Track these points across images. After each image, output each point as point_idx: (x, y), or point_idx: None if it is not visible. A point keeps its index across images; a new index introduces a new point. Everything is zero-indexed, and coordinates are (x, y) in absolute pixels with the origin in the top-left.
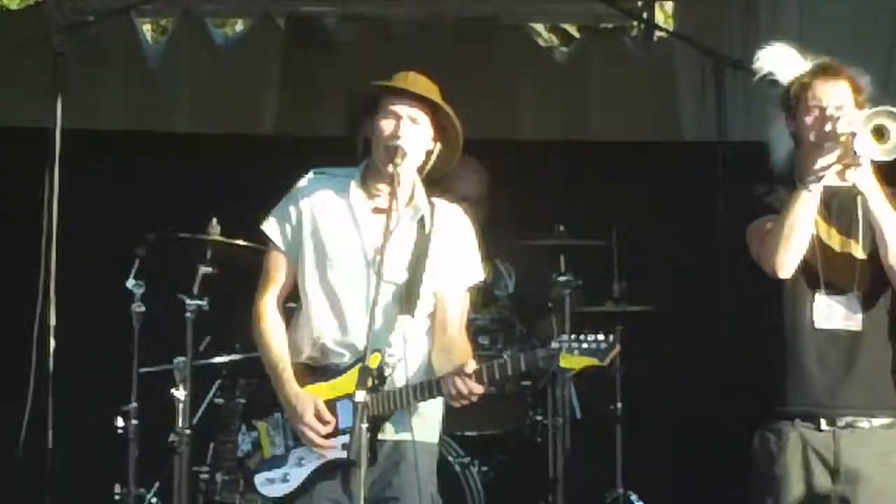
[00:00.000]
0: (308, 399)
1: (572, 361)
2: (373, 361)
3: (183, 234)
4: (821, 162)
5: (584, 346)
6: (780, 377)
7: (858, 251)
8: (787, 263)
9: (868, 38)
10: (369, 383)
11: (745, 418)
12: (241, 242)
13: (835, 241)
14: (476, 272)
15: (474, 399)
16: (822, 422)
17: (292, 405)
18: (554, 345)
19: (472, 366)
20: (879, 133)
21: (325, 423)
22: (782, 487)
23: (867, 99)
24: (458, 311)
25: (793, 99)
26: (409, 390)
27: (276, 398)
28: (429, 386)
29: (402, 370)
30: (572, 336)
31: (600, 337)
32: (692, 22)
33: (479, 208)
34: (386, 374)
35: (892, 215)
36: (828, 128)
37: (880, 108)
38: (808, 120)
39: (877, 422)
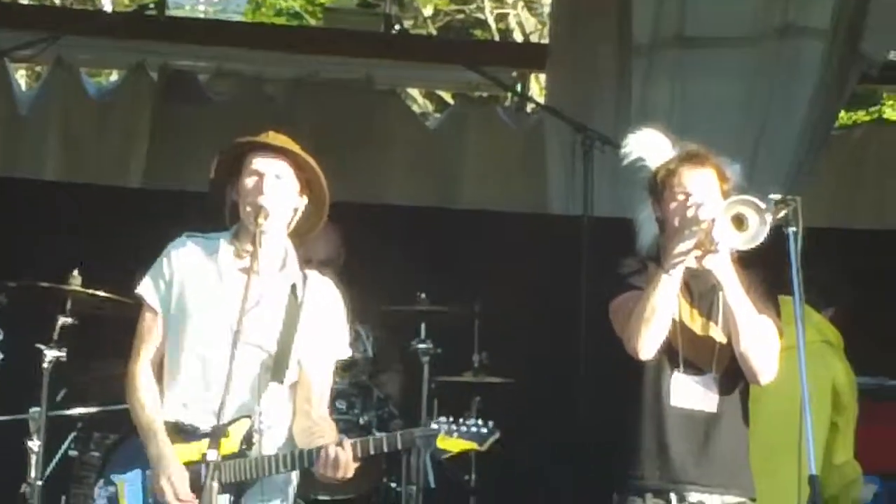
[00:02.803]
0: (176, 464)
1: (450, 444)
2: (242, 426)
3: (43, 283)
4: (680, 247)
5: (464, 429)
6: (635, 451)
7: (718, 334)
8: (647, 346)
9: (737, 123)
10: (236, 446)
11: (599, 495)
12: (101, 294)
13: (696, 322)
14: (344, 348)
15: (346, 475)
16: (673, 498)
17: (163, 462)
18: (433, 426)
19: (348, 440)
20: (739, 221)
21: (184, 493)
22: None
23: (733, 188)
24: (324, 387)
25: (659, 185)
26: (279, 458)
27: (136, 455)
28: (300, 455)
29: (271, 438)
30: (450, 418)
31: (479, 422)
32: (565, 95)
33: (335, 273)
34: (254, 440)
35: (744, 305)
36: (689, 213)
37: (741, 196)
38: (673, 206)
39: (727, 500)
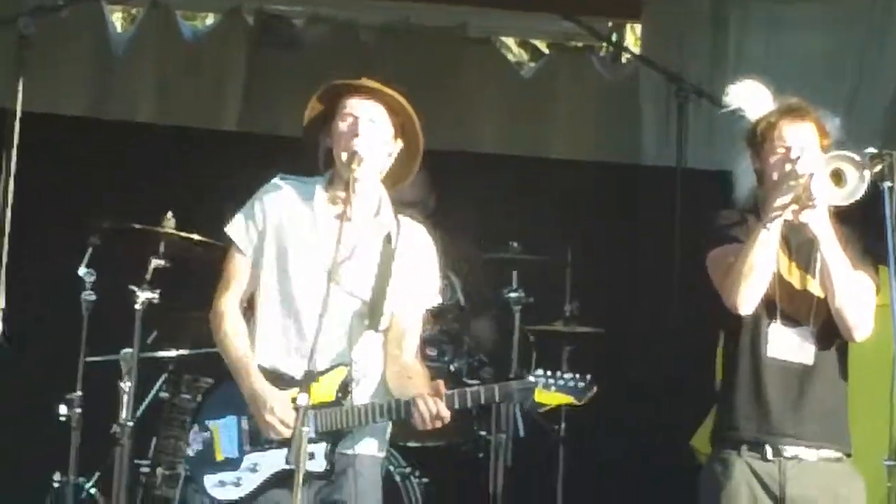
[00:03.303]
0: (277, 394)
1: (548, 397)
2: (338, 374)
3: (137, 225)
4: (778, 201)
5: (562, 382)
6: (731, 403)
7: (816, 288)
8: (747, 301)
9: (832, 76)
10: (332, 394)
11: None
12: (195, 237)
13: (794, 276)
14: (435, 296)
15: (439, 424)
16: (769, 451)
17: (260, 397)
18: (531, 379)
19: (444, 388)
20: (837, 177)
21: (288, 425)
22: None
23: (833, 143)
24: (415, 333)
25: (759, 137)
26: (375, 408)
27: (230, 401)
28: (397, 406)
29: (365, 386)
30: (548, 372)
31: (577, 375)
32: (660, 47)
33: (422, 216)
34: (350, 389)
35: (840, 260)
36: (787, 167)
37: (840, 152)
38: (773, 159)
39: (823, 454)
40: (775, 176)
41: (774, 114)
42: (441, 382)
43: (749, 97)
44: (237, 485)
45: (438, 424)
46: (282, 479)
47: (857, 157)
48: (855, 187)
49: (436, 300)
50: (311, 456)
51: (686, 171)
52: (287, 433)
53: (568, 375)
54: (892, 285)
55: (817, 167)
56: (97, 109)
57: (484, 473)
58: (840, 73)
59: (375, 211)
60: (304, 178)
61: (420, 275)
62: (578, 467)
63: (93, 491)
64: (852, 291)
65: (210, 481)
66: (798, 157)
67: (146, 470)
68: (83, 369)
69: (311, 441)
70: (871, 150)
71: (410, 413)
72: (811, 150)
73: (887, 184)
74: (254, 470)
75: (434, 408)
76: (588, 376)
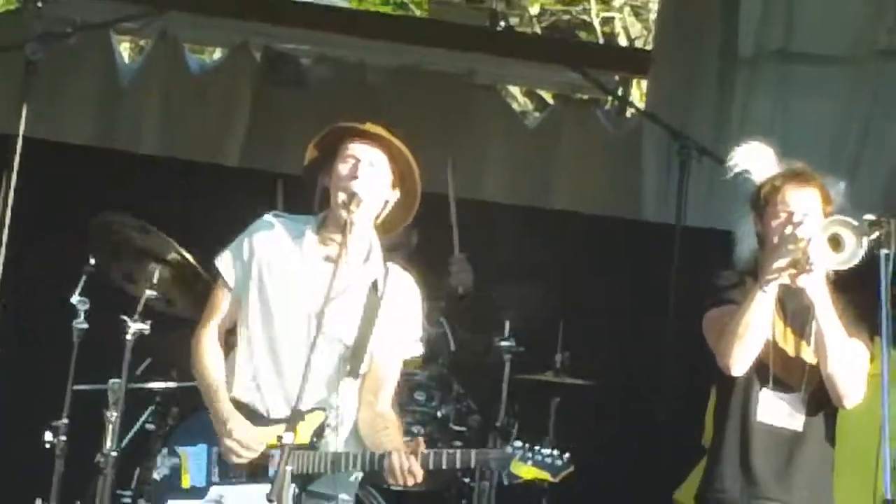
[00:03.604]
0: (240, 418)
1: (523, 470)
2: (315, 418)
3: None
4: (776, 264)
5: (539, 457)
6: (718, 465)
7: (809, 355)
8: (740, 363)
9: (837, 141)
10: (307, 438)
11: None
12: (189, 259)
13: (789, 341)
14: (417, 346)
15: (411, 482)
16: None
17: (224, 420)
18: (508, 449)
19: (422, 447)
20: (836, 242)
21: (250, 448)
22: None
23: (836, 209)
24: (392, 382)
25: (762, 200)
26: (349, 458)
27: (204, 430)
28: (371, 458)
29: (340, 432)
30: (527, 444)
31: (555, 452)
32: (665, 103)
33: (405, 255)
34: (325, 434)
35: (834, 326)
36: (788, 230)
37: (838, 217)
38: (775, 223)
39: None
40: (776, 239)
41: (779, 178)
42: (420, 440)
43: (755, 159)
44: None
45: (410, 482)
46: None
47: (856, 223)
48: (853, 253)
49: (417, 350)
50: (271, 500)
51: (685, 229)
52: (246, 455)
53: (546, 451)
54: (884, 353)
55: (815, 232)
56: (102, 139)
57: None
58: (845, 139)
59: (365, 257)
60: (297, 217)
61: (403, 324)
62: None
63: None
64: (845, 359)
65: None
66: (800, 222)
67: (128, 501)
68: (70, 397)
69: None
70: (870, 216)
71: (383, 467)
72: (814, 215)
73: (884, 251)
74: (218, 502)
75: (407, 464)
76: (566, 455)
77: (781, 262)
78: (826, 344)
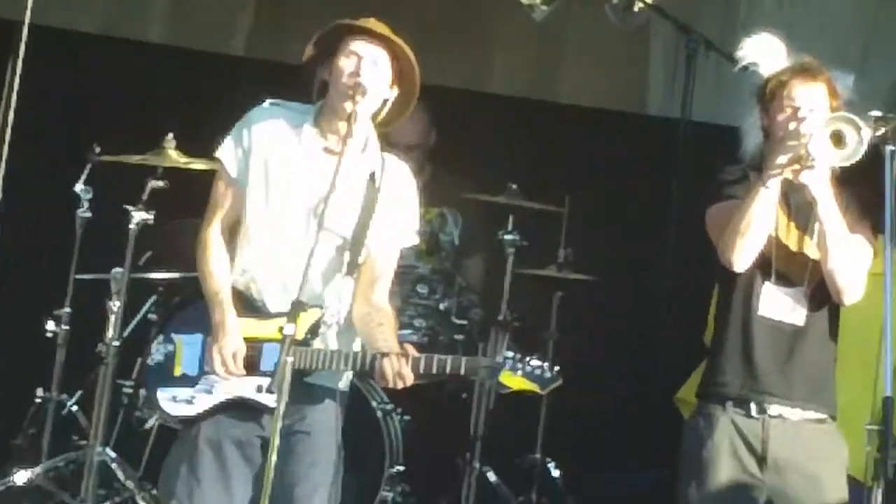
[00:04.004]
0: (238, 337)
1: (512, 381)
2: (311, 315)
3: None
4: (778, 160)
5: (528, 369)
6: (719, 359)
7: (812, 250)
8: (742, 258)
9: (845, 35)
10: (302, 333)
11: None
12: (194, 164)
13: (792, 236)
14: (412, 236)
15: (401, 384)
16: (753, 408)
17: (220, 330)
18: (498, 359)
19: (413, 351)
20: (838, 138)
21: (236, 370)
22: (709, 470)
23: (843, 104)
24: (389, 273)
25: (769, 94)
26: (341, 356)
27: (200, 319)
28: (363, 358)
29: (334, 329)
30: (517, 355)
31: (545, 364)
32: None
33: (422, 156)
34: (320, 331)
35: (835, 222)
36: (791, 126)
37: (840, 113)
38: (780, 117)
39: (808, 415)
40: (781, 134)
41: (786, 72)
42: (411, 346)
43: (764, 52)
44: (189, 402)
45: (400, 384)
46: (233, 406)
47: (857, 119)
48: (854, 149)
49: (413, 239)
50: (271, 391)
51: (690, 124)
52: (222, 372)
53: (536, 363)
54: (886, 250)
55: (817, 128)
56: (109, 27)
57: (466, 414)
58: (853, 32)
59: (363, 147)
60: (294, 105)
61: (401, 213)
62: (562, 413)
63: (74, 408)
64: (846, 254)
65: (163, 394)
66: (804, 118)
67: (129, 391)
68: (73, 286)
69: (270, 374)
70: (876, 112)
71: (374, 367)
72: (820, 111)
73: (889, 147)
74: (209, 391)
75: (398, 367)
76: (556, 368)
77: (783, 158)
78: (828, 240)
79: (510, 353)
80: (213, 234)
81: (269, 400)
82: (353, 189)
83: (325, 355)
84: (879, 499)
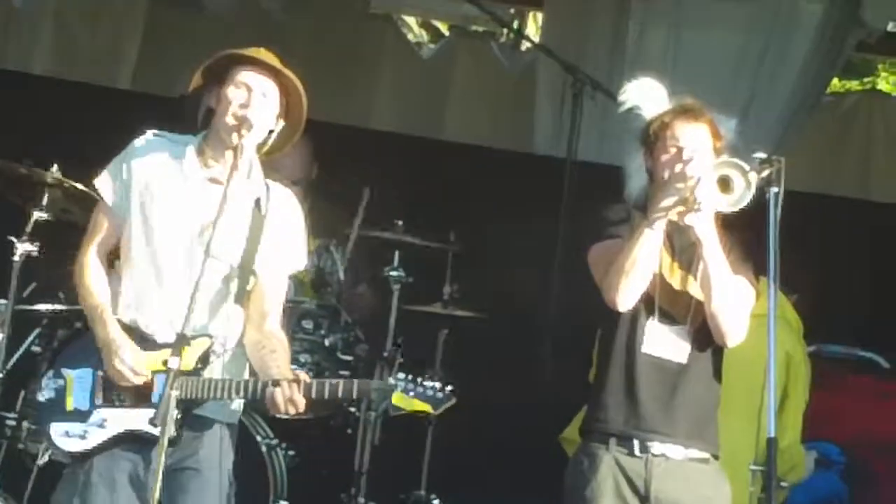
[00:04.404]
0: (127, 341)
1: (405, 402)
2: (200, 345)
3: (23, 168)
4: (664, 202)
5: (421, 390)
6: (602, 396)
7: (696, 289)
8: (626, 298)
9: (730, 77)
10: (192, 364)
11: (557, 435)
12: (78, 186)
13: (675, 276)
14: (301, 260)
15: (293, 411)
16: (636, 446)
17: (112, 344)
18: (391, 381)
19: (304, 377)
20: (725, 183)
21: (137, 372)
22: None
23: (726, 146)
24: (279, 298)
25: (652, 135)
26: (232, 385)
27: (88, 352)
28: (254, 386)
29: (224, 359)
30: (409, 376)
31: (437, 385)
32: (560, 37)
33: (303, 190)
34: (210, 360)
35: (720, 265)
36: (677, 168)
37: (728, 158)
38: (664, 158)
39: (691, 454)
40: (666, 175)
41: (669, 113)
42: (303, 373)
43: (645, 95)
44: (83, 437)
45: (292, 411)
46: (126, 439)
47: (746, 166)
48: (741, 195)
49: (301, 265)
50: (156, 424)
51: (576, 164)
52: (135, 380)
53: (429, 384)
54: (770, 293)
55: (705, 172)
56: None
57: (351, 449)
58: (738, 76)
59: (246, 174)
60: (176, 137)
61: (288, 238)
62: (446, 449)
63: None
64: (729, 297)
65: (56, 430)
66: (690, 159)
67: (12, 423)
68: None
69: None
70: (761, 154)
71: (266, 395)
72: (704, 151)
73: (773, 189)
74: (101, 425)
75: (289, 394)
76: (449, 387)
77: (670, 200)
78: (711, 282)
79: (402, 375)
80: (91, 257)
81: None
82: (238, 216)
83: (215, 385)
84: None
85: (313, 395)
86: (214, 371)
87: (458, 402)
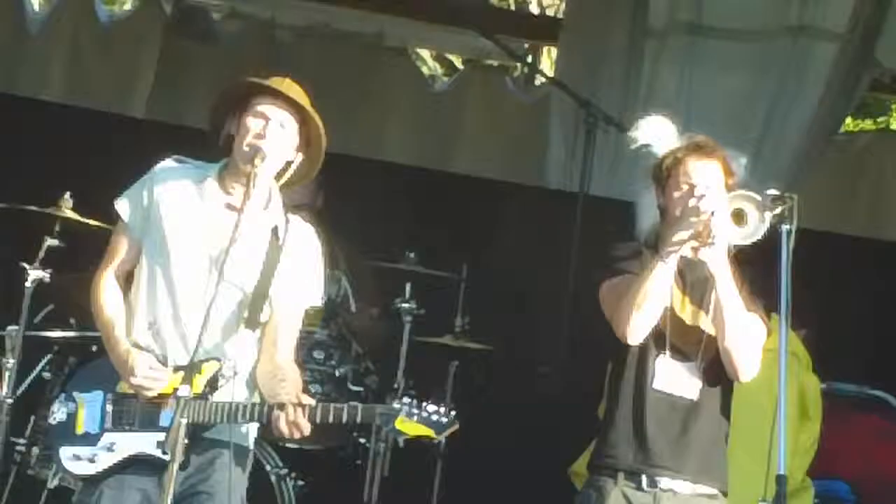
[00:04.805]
0: (142, 355)
1: (408, 427)
2: (210, 368)
3: (33, 207)
4: (677, 236)
5: (424, 414)
6: (611, 431)
7: (707, 325)
8: (637, 331)
9: (743, 116)
10: (200, 387)
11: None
12: (90, 222)
13: (687, 311)
14: (318, 295)
15: (298, 435)
16: (644, 481)
17: (125, 360)
18: (395, 405)
19: (309, 400)
20: (739, 217)
21: (157, 379)
22: None
23: (737, 183)
24: (293, 331)
25: (664, 172)
26: (239, 408)
27: (101, 377)
28: (259, 409)
29: (233, 383)
30: (413, 401)
31: (441, 409)
32: (574, 72)
33: (308, 218)
34: (219, 384)
35: (733, 300)
36: (691, 203)
37: (743, 192)
38: (676, 195)
39: (700, 489)
40: (678, 211)
41: (682, 150)
42: (306, 396)
43: (657, 133)
44: (91, 461)
45: (297, 435)
46: (135, 463)
47: (759, 198)
48: (755, 228)
49: (318, 299)
50: (165, 452)
51: (588, 198)
52: (150, 393)
53: (432, 408)
54: (781, 328)
55: (719, 206)
56: (6, 85)
57: (360, 481)
58: (751, 115)
59: (265, 204)
60: (198, 163)
61: (304, 272)
62: (455, 482)
63: None
64: (742, 333)
65: (65, 453)
66: (703, 195)
67: (22, 449)
68: None
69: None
70: (774, 191)
71: (271, 418)
72: (717, 188)
73: (786, 226)
74: (110, 449)
75: (293, 417)
76: (452, 412)
77: (683, 235)
78: (724, 318)
79: (406, 399)
80: (107, 276)
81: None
82: (255, 244)
83: (222, 408)
84: None
85: (318, 419)
86: (225, 395)
87: (467, 434)
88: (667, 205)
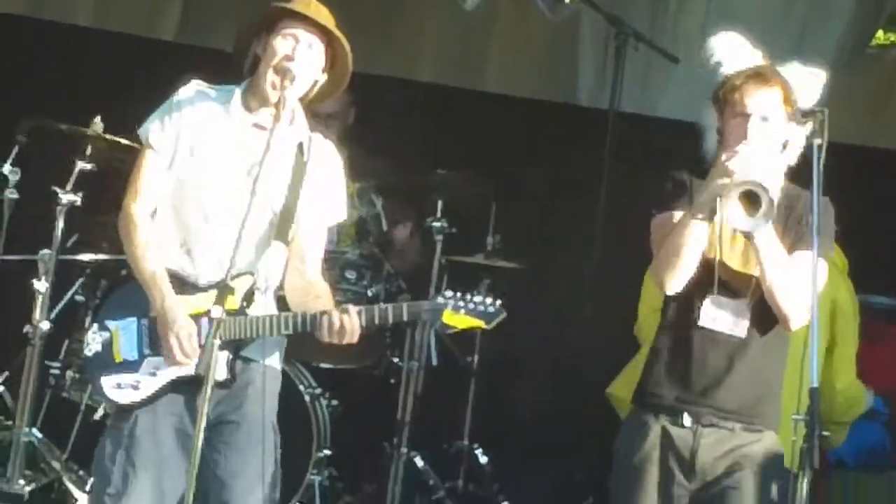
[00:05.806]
0: (186, 318)
1: (456, 320)
2: (244, 283)
3: (63, 125)
4: (701, 202)
5: (471, 305)
6: (656, 368)
7: (756, 268)
8: (674, 282)
9: (773, 31)
10: (237, 303)
11: (600, 391)
12: (121, 140)
13: (735, 252)
14: (341, 212)
15: (346, 340)
16: (686, 418)
17: (168, 316)
18: (440, 300)
19: (353, 307)
20: (749, 199)
21: (191, 349)
22: (638, 478)
23: (796, 109)
24: (319, 248)
25: (721, 98)
26: (282, 319)
27: (132, 302)
28: (303, 318)
29: (267, 296)
30: (458, 293)
31: (488, 300)
32: None
33: (339, 130)
34: (255, 298)
35: (774, 257)
36: (724, 158)
37: (750, 178)
38: (731, 123)
39: (741, 427)
40: (731, 140)
41: (741, 76)
42: (351, 305)
43: (730, 50)
44: (135, 388)
45: (345, 340)
46: (180, 385)
47: (766, 185)
48: (766, 212)
49: (341, 217)
50: (200, 373)
51: (618, 115)
52: (180, 357)
53: (478, 298)
54: (814, 242)
55: (752, 165)
56: (37, 8)
57: (393, 399)
58: (781, 30)
59: (290, 120)
60: (221, 87)
61: (328, 190)
62: (488, 401)
63: (1, 389)
64: (785, 281)
65: (108, 383)
66: (734, 153)
67: (56, 372)
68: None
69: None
70: (803, 108)
71: (317, 326)
72: (774, 117)
73: (817, 141)
74: (153, 374)
75: (339, 322)
76: (499, 301)
77: (705, 208)
78: (767, 275)
79: (450, 293)
80: (140, 211)
81: (215, 375)
82: (281, 161)
83: (262, 321)
84: (806, 488)
85: (364, 322)
86: (260, 309)
87: (499, 353)
88: (723, 131)
